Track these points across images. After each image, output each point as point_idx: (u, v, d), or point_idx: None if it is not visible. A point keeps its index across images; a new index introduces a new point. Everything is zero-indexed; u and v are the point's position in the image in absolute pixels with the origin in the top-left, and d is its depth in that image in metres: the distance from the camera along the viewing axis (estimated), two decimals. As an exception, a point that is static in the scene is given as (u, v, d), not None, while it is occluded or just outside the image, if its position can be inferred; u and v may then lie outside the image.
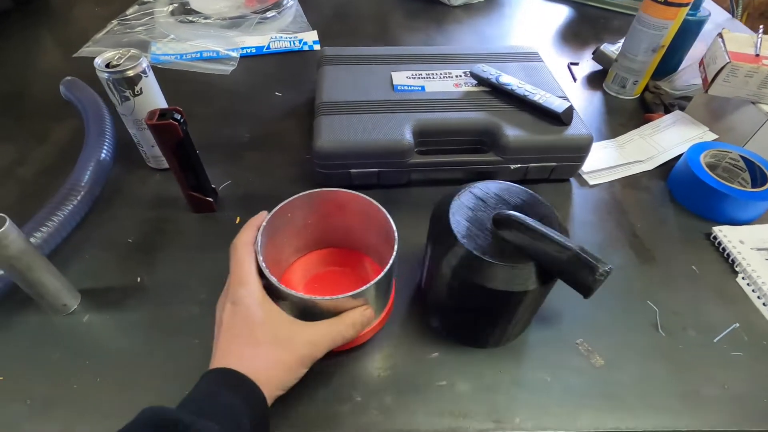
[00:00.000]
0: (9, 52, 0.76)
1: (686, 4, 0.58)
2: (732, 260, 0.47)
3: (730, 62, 0.52)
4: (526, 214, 0.33)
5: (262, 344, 0.31)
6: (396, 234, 0.36)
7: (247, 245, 0.35)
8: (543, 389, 0.38)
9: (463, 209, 0.36)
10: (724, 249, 0.48)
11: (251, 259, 0.34)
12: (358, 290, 0.33)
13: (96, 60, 0.45)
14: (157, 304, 0.42)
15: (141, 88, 0.47)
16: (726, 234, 0.48)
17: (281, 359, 0.31)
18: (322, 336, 0.33)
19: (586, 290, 0.30)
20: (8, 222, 0.34)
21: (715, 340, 0.41)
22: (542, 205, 0.36)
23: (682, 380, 0.38)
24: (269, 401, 0.30)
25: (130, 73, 0.45)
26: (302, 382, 0.36)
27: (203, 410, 0.27)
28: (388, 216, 0.37)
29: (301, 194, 0.39)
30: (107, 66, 0.45)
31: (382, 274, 0.34)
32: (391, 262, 0.34)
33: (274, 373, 0.31)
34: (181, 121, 0.42)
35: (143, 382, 0.37)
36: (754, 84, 0.52)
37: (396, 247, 0.35)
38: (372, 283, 0.33)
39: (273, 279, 0.33)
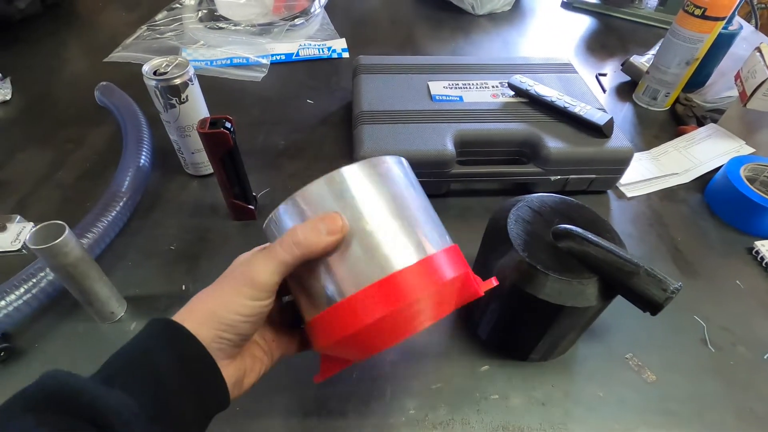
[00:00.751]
0: (40, 57, 0.76)
1: (723, 18, 0.58)
2: (776, 275, 0.47)
3: (771, 77, 0.52)
4: (583, 229, 0.33)
5: (212, 288, 0.26)
6: None
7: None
8: (597, 404, 0.37)
9: (520, 222, 0.36)
10: (767, 264, 0.48)
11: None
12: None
13: (144, 67, 0.46)
14: (204, 312, 0.42)
15: (187, 96, 0.47)
16: (769, 248, 0.48)
17: (218, 292, 0.26)
18: (258, 251, 0.27)
19: (655, 308, 0.30)
20: (67, 230, 0.34)
21: (765, 357, 0.41)
22: (600, 221, 0.36)
23: (736, 397, 0.38)
24: (214, 342, 0.24)
25: (177, 81, 0.45)
26: (356, 394, 0.36)
27: (123, 375, 0.23)
28: None
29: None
30: (155, 73, 0.45)
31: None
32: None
33: (208, 312, 0.25)
34: (232, 129, 0.42)
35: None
36: (795, 98, 0.52)
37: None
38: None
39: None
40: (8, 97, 0.66)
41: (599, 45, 0.86)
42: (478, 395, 0.38)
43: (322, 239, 0.24)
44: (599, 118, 0.51)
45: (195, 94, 0.48)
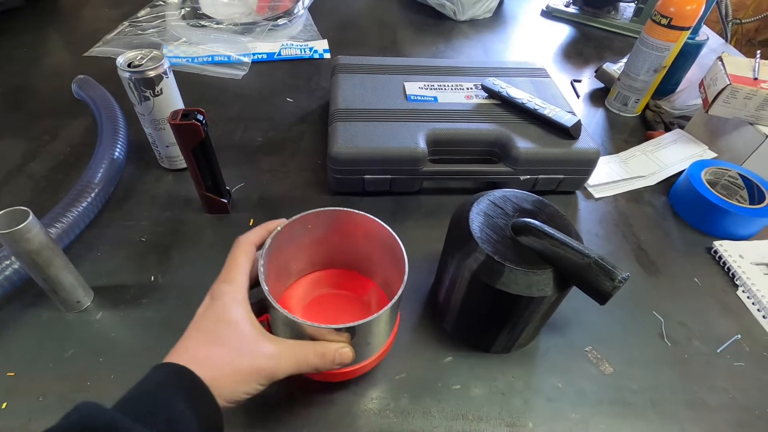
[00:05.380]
0: (19, 49, 0.76)
1: (688, 28, 0.61)
2: (732, 274, 0.49)
3: (730, 84, 0.54)
4: (543, 223, 0.34)
5: (222, 345, 0.29)
6: (406, 266, 0.34)
7: (249, 245, 0.33)
8: (556, 395, 0.38)
9: (482, 215, 0.37)
10: (724, 263, 0.50)
11: (248, 260, 0.32)
12: (342, 326, 0.30)
13: (118, 59, 0.46)
14: (172, 303, 0.42)
15: (161, 89, 0.47)
16: (726, 248, 0.50)
17: (237, 366, 0.28)
18: (285, 353, 0.30)
19: (603, 297, 0.31)
20: (31, 216, 0.34)
21: (718, 351, 0.42)
22: (559, 216, 0.37)
23: (689, 389, 0.40)
24: (223, 401, 0.27)
25: (152, 73, 0.46)
26: (321, 384, 0.37)
27: (144, 414, 0.24)
28: (399, 242, 0.35)
29: (318, 210, 0.37)
30: (129, 66, 0.46)
31: (371, 317, 0.31)
32: (400, 292, 0.32)
33: (225, 382, 0.28)
34: (203, 121, 0.43)
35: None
36: (753, 106, 0.55)
37: (405, 279, 0.33)
38: (356, 323, 0.31)
39: (265, 288, 0.31)
40: (-16, 88, 0.66)
41: (576, 53, 0.89)
42: (440, 385, 0.38)
43: (334, 366, 0.31)
44: (567, 120, 0.53)
45: (170, 87, 0.48)
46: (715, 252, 0.51)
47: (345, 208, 0.38)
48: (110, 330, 0.40)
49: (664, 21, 0.61)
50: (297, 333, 0.32)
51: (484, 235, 0.35)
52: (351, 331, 0.31)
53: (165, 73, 0.47)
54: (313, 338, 0.32)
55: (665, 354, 0.42)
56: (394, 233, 0.36)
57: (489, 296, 0.35)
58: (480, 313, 0.37)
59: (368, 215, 0.37)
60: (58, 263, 0.37)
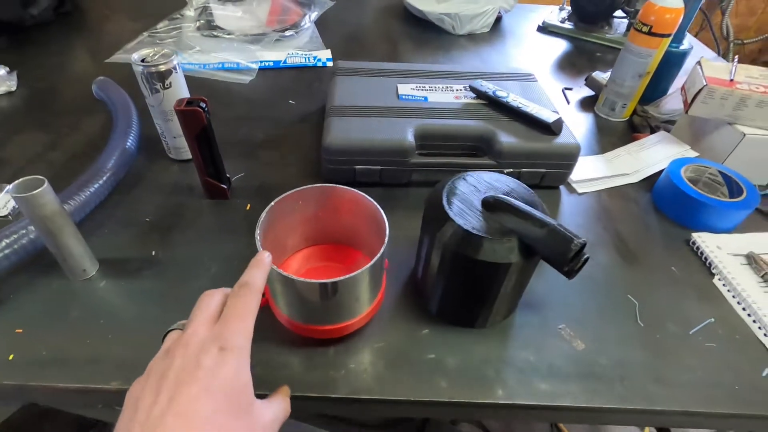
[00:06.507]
0: (48, 57, 0.83)
1: (668, 35, 0.64)
2: (709, 263, 0.50)
3: (706, 85, 0.56)
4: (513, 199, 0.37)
5: (241, 418, 0.26)
6: (387, 227, 0.37)
7: (260, 291, 0.30)
8: (527, 367, 0.40)
9: (456, 192, 0.39)
10: (702, 253, 0.51)
11: (256, 310, 0.29)
12: (329, 280, 0.33)
13: (133, 55, 0.51)
14: (170, 275, 0.46)
15: (170, 83, 0.52)
16: (704, 240, 0.52)
17: None
18: (280, 412, 0.30)
19: (563, 262, 0.33)
20: (46, 183, 0.38)
21: (690, 332, 0.44)
22: (529, 193, 0.40)
23: (658, 366, 0.41)
24: None
25: (162, 68, 0.50)
26: (302, 352, 0.39)
27: None
28: (381, 211, 0.39)
29: (307, 186, 0.41)
30: (142, 61, 0.51)
31: (374, 260, 0.35)
32: (381, 251, 0.36)
33: None
34: (206, 109, 0.47)
35: (152, 342, 0.40)
36: (730, 106, 0.57)
37: (386, 240, 0.36)
38: (340, 278, 0.34)
39: (277, 269, 0.33)
40: (13, 89, 0.71)
41: (569, 64, 0.92)
42: (416, 354, 0.40)
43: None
44: (548, 116, 0.56)
45: (178, 81, 0.53)
46: (694, 243, 0.52)
47: (332, 184, 0.41)
48: (112, 297, 0.44)
49: (645, 29, 0.64)
50: (291, 291, 0.35)
51: (456, 209, 0.38)
52: (336, 286, 0.34)
53: (175, 68, 0.52)
54: (304, 295, 0.35)
55: (637, 333, 0.43)
56: (375, 203, 0.39)
57: (459, 264, 0.37)
58: (453, 283, 0.39)
59: (353, 189, 0.41)
60: (68, 231, 0.41)
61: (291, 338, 0.40)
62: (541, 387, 0.39)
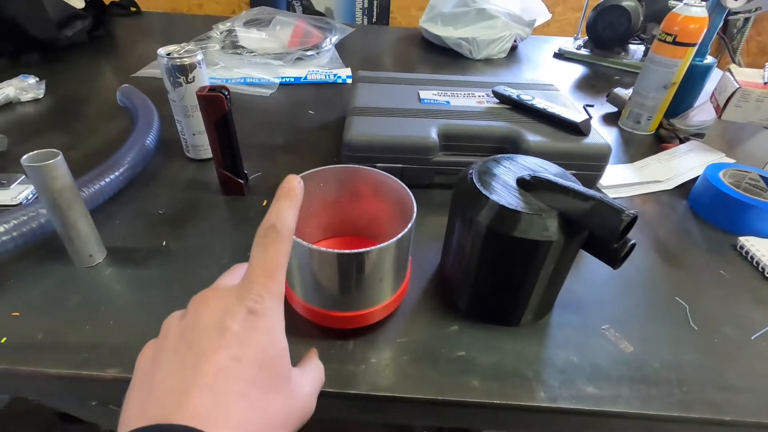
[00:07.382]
0: (75, 70, 0.85)
1: (693, 44, 0.63)
2: (762, 268, 0.46)
3: (740, 88, 0.55)
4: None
5: (277, 391, 0.21)
6: (415, 207, 0.35)
7: (291, 237, 0.24)
8: (569, 367, 0.35)
9: (489, 172, 0.37)
10: (752, 257, 0.47)
11: (287, 260, 0.23)
12: (354, 251, 0.30)
13: (159, 50, 0.51)
14: (180, 265, 0.43)
15: (194, 77, 0.52)
16: (753, 243, 0.48)
17: (287, 417, 0.22)
18: (317, 381, 0.26)
19: (613, 238, 0.30)
20: (60, 156, 0.37)
21: (752, 338, 0.39)
22: (565, 174, 0.37)
23: (721, 371, 0.36)
24: None
25: (187, 61, 0.51)
26: (319, 344, 0.36)
27: None
28: (408, 189, 0.36)
29: (328, 166, 0.38)
30: (167, 54, 0.51)
31: (402, 233, 0.32)
32: (409, 225, 0.33)
33: None
34: (227, 96, 0.46)
35: (156, 330, 0.36)
36: (767, 109, 0.55)
37: (414, 217, 0.34)
38: (365, 249, 0.31)
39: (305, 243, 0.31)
40: (40, 96, 0.73)
41: (588, 85, 0.92)
42: (444, 351, 0.36)
43: None
44: (575, 117, 0.54)
45: (201, 76, 0.53)
46: (742, 247, 0.48)
47: (354, 165, 0.39)
48: (116, 284, 0.41)
49: (669, 38, 0.63)
50: (309, 265, 0.32)
51: (489, 186, 0.35)
52: (362, 258, 0.31)
53: (199, 63, 0.52)
54: (324, 271, 0.32)
55: (691, 337, 0.39)
56: (402, 183, 0.37)
57: (493, 245, 0.34)
58: (485, 269, 0.36)
59: (376, 170, 0.38)
60: (77, 210, 0.39)
61: (307, 329, 0.37)
62: (587, 390, 0.34)
